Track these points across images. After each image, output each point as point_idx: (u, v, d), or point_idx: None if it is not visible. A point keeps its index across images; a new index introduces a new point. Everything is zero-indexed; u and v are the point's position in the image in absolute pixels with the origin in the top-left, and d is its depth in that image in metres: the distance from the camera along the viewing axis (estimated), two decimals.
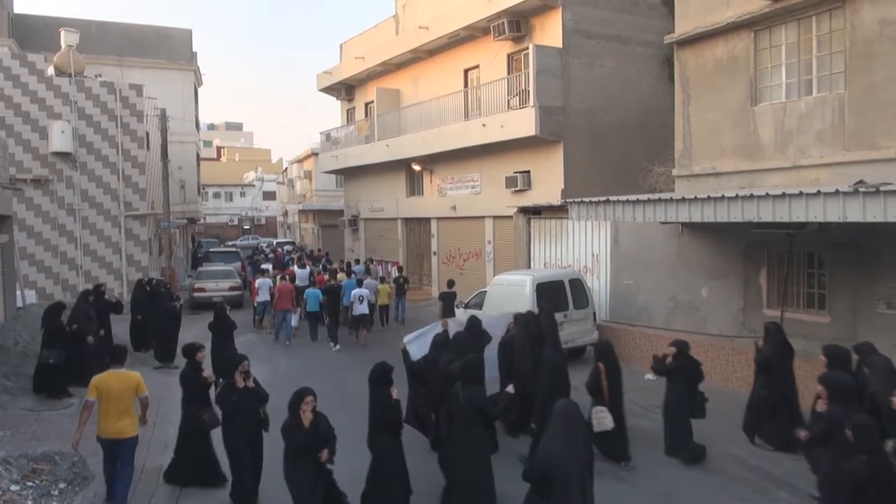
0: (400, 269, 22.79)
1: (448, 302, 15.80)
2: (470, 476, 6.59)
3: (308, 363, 14.87)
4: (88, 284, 21.36)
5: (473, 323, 9.65)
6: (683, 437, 8.52)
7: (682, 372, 8.61)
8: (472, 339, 9.00)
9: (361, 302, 16.34)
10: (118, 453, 7.09)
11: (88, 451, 8.78)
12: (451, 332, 9.50)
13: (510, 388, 7.40)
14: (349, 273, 19.52)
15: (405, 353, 9.49)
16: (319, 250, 34.68)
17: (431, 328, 10.00)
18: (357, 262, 23.74)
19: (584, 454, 5.22)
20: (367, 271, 20.97)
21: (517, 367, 9.24)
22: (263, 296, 18.22)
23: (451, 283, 17.30)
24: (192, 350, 8.27)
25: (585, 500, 5.10)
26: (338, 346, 16.16)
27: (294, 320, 17.55)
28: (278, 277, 18.93)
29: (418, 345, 9.61)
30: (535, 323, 10.00)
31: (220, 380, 8.65)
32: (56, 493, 7.57)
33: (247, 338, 17.08)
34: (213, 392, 8.17)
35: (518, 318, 10.14)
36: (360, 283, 17.11)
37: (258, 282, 18.78)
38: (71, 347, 11.82)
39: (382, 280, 19.33)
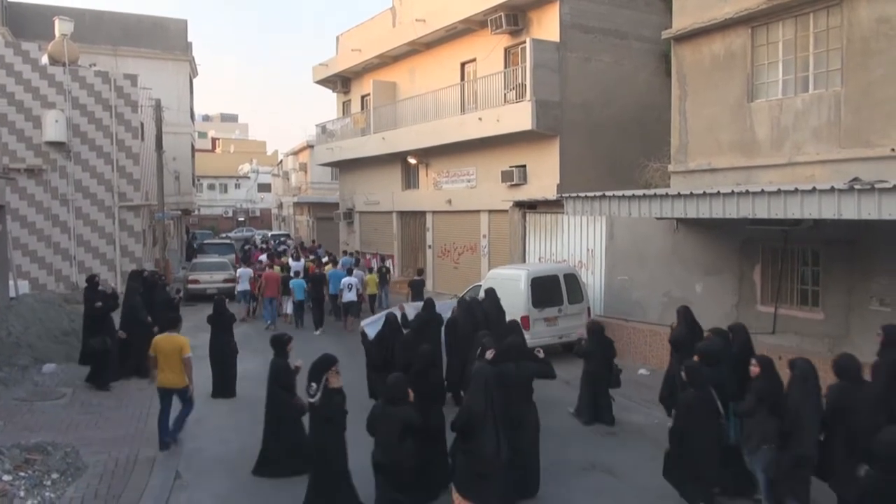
0: (382, 260, 23.84)
1: (416, 289, 17.02)
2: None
3: (299, 349, 14.90)
4: (82, 275, 21.38)
5: (428, 304, 10.88)
6: (594, 403, 10.00)
7: (597, 350, 9.87)
8: (427, 319, 10.36)
9: (350, 290, 17.15)
10: (170, 400, 8.97)
11: (81, 443, 8.80)
12: (410, 315, 10.90)
13: None
14: (335, 263, 20.47)
15: (363, 335, 10.71)
16: (314, 241, 35.24)
17: (384, 314, 11.09)
18: (345, 253, 24.56)
19: (497, 408, 6.42)
20: (357, 263, 21.31)
21: (460, 346, 10.09)
22: (243, 285, 19.20)
23: (420, 272, 19.47)
24: (282, 341, 8.56)
25: (498, 444, 6.38)
26: (318, 331, 17.25)
27: (289, 308, 18.57)
28: (268, 267, 19.72)
29: (374, 327, 10.72)
30: (479, 307, 11.03)
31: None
32: (49, 483, 7.55)
33: (241, 330, 17.07)
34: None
35: (461, 303, 11.34)
36: (349, 273, 17.91)
37: (239, 271, 20.08)
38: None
39: (370, 271, 20.19)
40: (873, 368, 7.24)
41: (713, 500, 7.01)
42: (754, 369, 6.88)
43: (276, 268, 19.74)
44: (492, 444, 6.36)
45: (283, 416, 8.22)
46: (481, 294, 12.17)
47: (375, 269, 20.84)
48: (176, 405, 9.17)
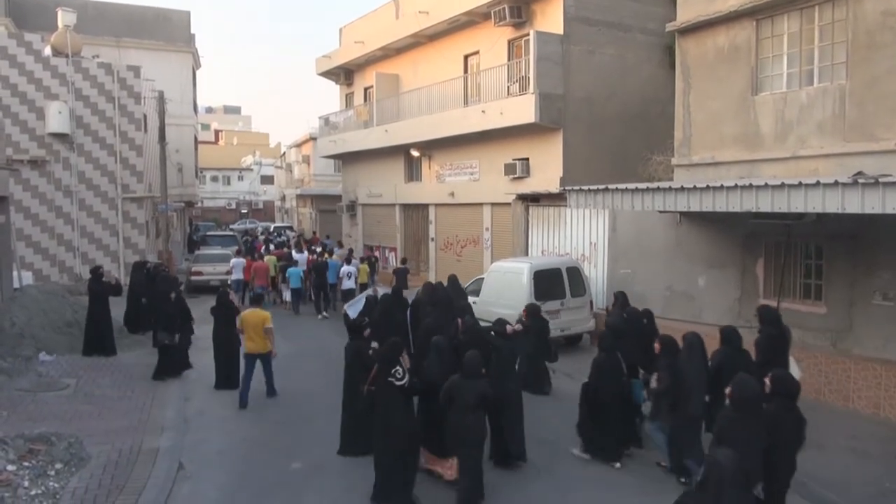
0: (371, 251, 25.39)
1: (401, 276, 17.91)
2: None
3: (302, 334, 15.92)
4: (85, 266, 21.45)
5: (397, 289, 12.41)
6: (536, 376, 11.04)
7: (535, 328, 10.80)
8: (394, 300, 11.76)
9: (349, 278, 18.20)
10: (254, 364, 10.82)
11: (85, 433, 8.84)
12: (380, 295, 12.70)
13: None
14: (330, 254, 21.79)
15: (346, 315, 12.39)
16: (314, 233, 35.93)
17: (364, 295, 13.24)
18: (340, 244, 25.76)
19: (479, 386, 7.11)
20: (350, 252, 22.33)
21: (423, 325, 10.60)
22: (237, 274, 20.14)
23: (404, 261, 21.25)
24: (359, 327, 9.05)
25: (477, 417, 7.08)
26: (321, 315, 18.65)
27: (287, 295, 19.79)
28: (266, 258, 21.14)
29: (354, 308, 12.42)
30: (443, 290, 12.41)
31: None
32: (52, 473, 7.59)
33: None
34: None
35: (426, 285, 12.77)
36: (349, 262, 19.27)
37: (232, 261, 20.90)
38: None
39: (362, 261, 21.34)
40: (755, 343, 8.39)
41: (620, 457, 8.11)
42: (658, 346, 7.88)
43: (272, 258, 21.34)
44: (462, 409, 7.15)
45: (360, 395, 8.22)
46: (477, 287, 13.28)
47: (366, 260, 22.14)
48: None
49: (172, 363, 12.27)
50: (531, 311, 11.24)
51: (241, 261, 20.74)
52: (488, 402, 7.19)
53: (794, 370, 8.12)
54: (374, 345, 8.76)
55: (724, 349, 7.91)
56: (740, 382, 5.78)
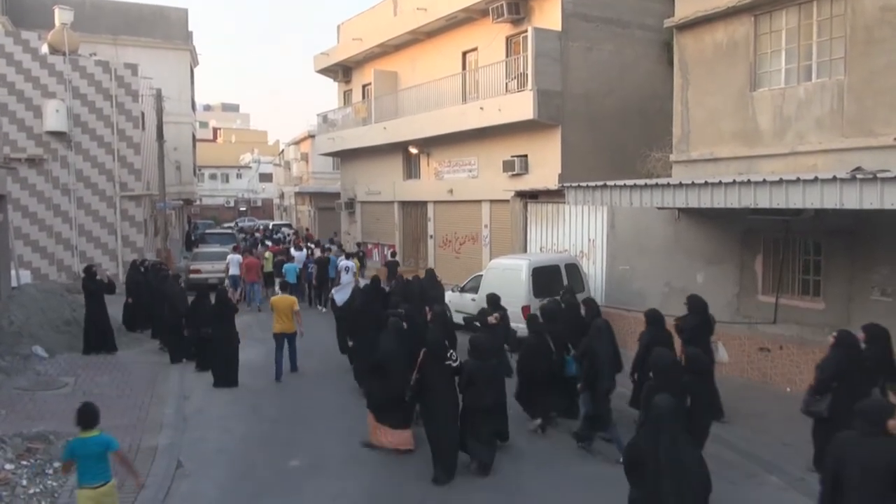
0: (358, 246, 25.64)
1: (391, 268, 19.02)
2: None
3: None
4: (84, 265, 21.41)
5: (375, 280, 13.01)
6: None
7: (503, 326, 10.76)
8: (373, 290, 12.46)
9: (347, 272, 18.27)
10: (284, 342, 12.18)
11: None
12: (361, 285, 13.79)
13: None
14: (324, 251, 22.64)
15: (333, 301, 13.83)
16: (307, 230, 37.37)
17: (348, 284, 14.59)
18: (332, 241, 26.92)
19: (446, 377, 7.89)
20: (339, 248, 23.87)
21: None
22: (234, 270, 20.46)
23: (393, 254, 22.29)
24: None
25: (448, 407, 7.84)
26: (324, 309, 18.96)
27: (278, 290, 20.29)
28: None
29: (341, 295, 13.39)
30: (417, 283, 13.48)
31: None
32: (51, 472, 7.60)
33: (242, 320, 17.11)
34: None
35: (399, 279, 14.38)
36: (347, 257, 20.12)
37: (228, 257, 21.14)
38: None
39: (351, 256, 21.78)
40: (677, 328, 9.34)
41: (549, 418, 9.24)
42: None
43: (269, 254, 22.22)
44: (398, 379, 8.30)
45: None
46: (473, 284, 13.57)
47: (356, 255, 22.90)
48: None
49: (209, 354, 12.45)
50: (493, 301, 11.22)
51: (237, 257, 21.12)
52: (500, 379, 8.14)
53: (721, 353, 10.25)
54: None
55: (650, 329, 8.83)
56: (658, 354, 6.75)
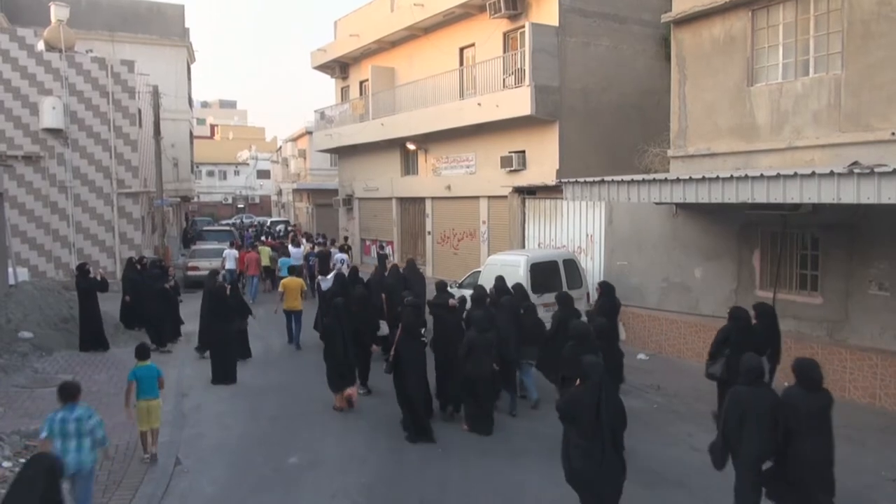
0: (346, 240, 26.72)
1: (381, 260, 19.30)
2: None
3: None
4: (81, 262, 21.37)
5: (353, 270, 15.10)
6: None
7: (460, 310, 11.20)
8: (353, 276, 14.28)
9: (342, 264, 19.04)
10: (292, 318, 14.22)
11: None
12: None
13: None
14: (315, 244, 23.95)
15: (319, 287, 14.76)
16: (295, 225, 39.00)
17: (335, 272, 15.44)
18: (323, 236, 27.64)
19: (417, 351, 9.12)
20: (332, 243, 24.84)
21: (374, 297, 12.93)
22: (230, 264, 20.88)
23: (382, 247, 23.87)
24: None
25: (346, 352, 9.87)
26: None
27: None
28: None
29: (326, 283, 14.37)
30: (397, 271, 14.59)
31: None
32: None
33: None
34: None
35: (376, 271, 15.34)
36: (340, 250, 21.22)
37: (225, 252, 21.70)
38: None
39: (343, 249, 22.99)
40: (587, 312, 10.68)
41: (491, 422, 9.19)
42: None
43: (266, 248, 22.81)
44: (341, 351, 9.87)
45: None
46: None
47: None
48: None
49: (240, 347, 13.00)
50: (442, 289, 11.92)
51: (234, 251, 21.62)
52: (493, 348, 9.10)
53: (621, 331, 12.27)
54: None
55: (561, 310, 9.89)
56: (576, 325, 8.16)
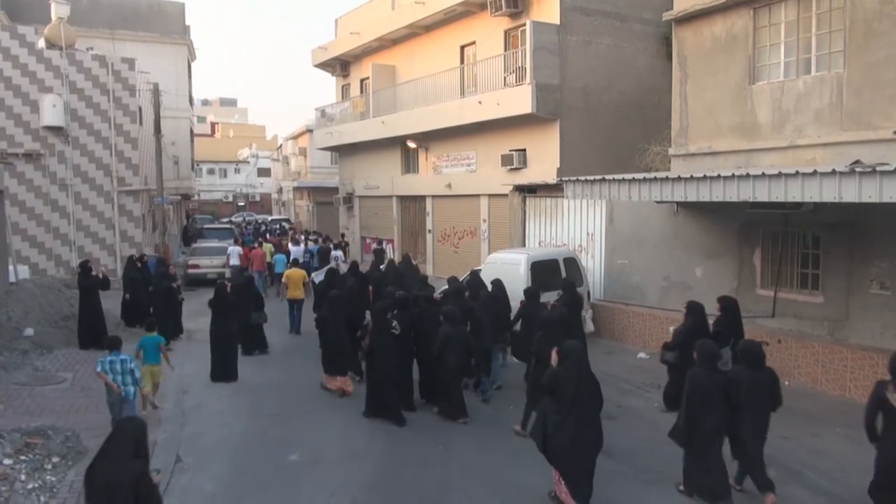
0: (342, 237, 27.33)
1: (378, 255, 19.66)
2: None
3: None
4: (80, 259, 21.35)
5: (353, 265, 15.55)
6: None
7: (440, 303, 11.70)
8: (353, 270, 15.02)
9: (336, 261, 19.98)
10: (294, 306, 15.15)
11: (82, 427, 8.83)
12: (342, 270, 15.98)
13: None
14: (315, 242, 24.81)
15: (312, 281, 15.37)
16: (289, 221, 40.24)
17: (327, 268, 16.02)
18: (317, 234, 28.36)
19: (388, 342, 9.59)
20: (325, 241, 25.26)
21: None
22: (234, 261, 21.75)
23: (380, 242, 24.91)
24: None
25: (339, 336, 10.49)
26: None
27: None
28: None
29: (318, 277, 15.06)
30: (394, 266, 15.57)
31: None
32: (49, 467, 7.58)
33: None
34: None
35: (372, 265, 16.67)
36: (335, 247, 22.18)
37: (229, 249, 22.56)
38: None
39: (337, 246, 23.69)
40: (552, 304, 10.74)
41: (464, 411, 9.55)
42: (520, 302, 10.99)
43: (269, 245, 23.33)
44: (336, 336, 10.59)
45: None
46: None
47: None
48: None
49: (255, 339, 13.68)
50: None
51: (238, 248, 22.36)
52: (468, 342, 9.59)
53: (589, 324, 13.09)
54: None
55: (528, 304, 10.49)
56: (545, 316, 9.05)
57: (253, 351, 13.49)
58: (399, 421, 9.34)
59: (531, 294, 10.75)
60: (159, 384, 10.10)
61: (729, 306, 9.54)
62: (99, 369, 8.39)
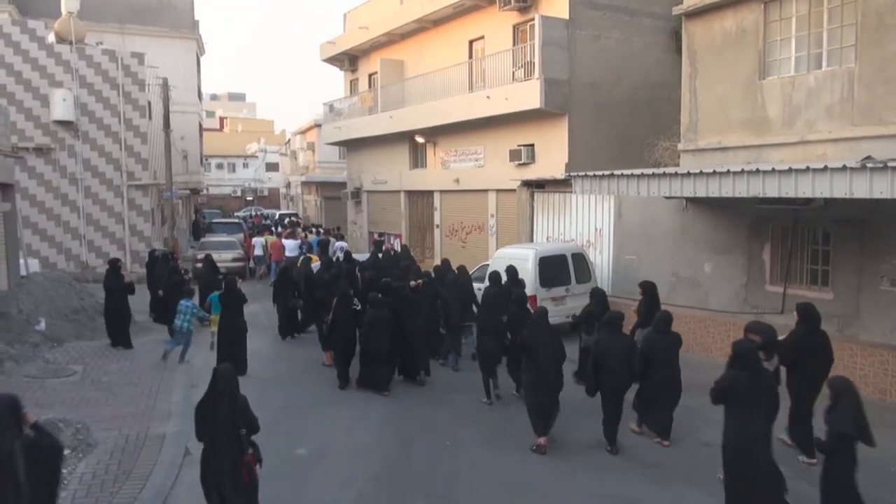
0: (338, 229, 28.36)
1: (377, 246, 20.09)
2: None
3: None
4: (91, 254, 21.60)
5: (348, 253, 17.16)
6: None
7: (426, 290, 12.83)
8: (346, 259, 16.27)
9: (341, 251, 20.35)
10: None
11: (92, 419, 8.89)
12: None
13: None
14: (306, 235, 26.04)
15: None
16: (298, 220, 39.76)
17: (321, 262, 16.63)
18: (316, 226, 29.84)
19: (350, 316, 11.23)
20: (326, 233, 26.33)
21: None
22: (258, 251, 23.62)
23: (380, 234, 25.79)
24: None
25: (348, 337, 11.21)
26: None
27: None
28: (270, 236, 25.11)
29: (315, 266, 15.42)
30: (390, 254, 17.00)
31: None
32: None
33: (250, 309, 17.12)
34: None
35: (371, 256, 17.37)
36: (339, 239, 23.26)
37: (253, 240, 24.50)
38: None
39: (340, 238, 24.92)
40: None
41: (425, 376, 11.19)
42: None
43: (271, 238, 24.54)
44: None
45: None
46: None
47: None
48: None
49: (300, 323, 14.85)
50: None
51: (262, 239, 24.00)
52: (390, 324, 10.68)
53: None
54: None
55: (516, 308, 10.80)
56: (538, 312, 9.05)
57: (293, 334, 14.73)
58: (342, 385, 10.81)
59: (494, 279, 11.54)
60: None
61: (647, 290, 10.91)
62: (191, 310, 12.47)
